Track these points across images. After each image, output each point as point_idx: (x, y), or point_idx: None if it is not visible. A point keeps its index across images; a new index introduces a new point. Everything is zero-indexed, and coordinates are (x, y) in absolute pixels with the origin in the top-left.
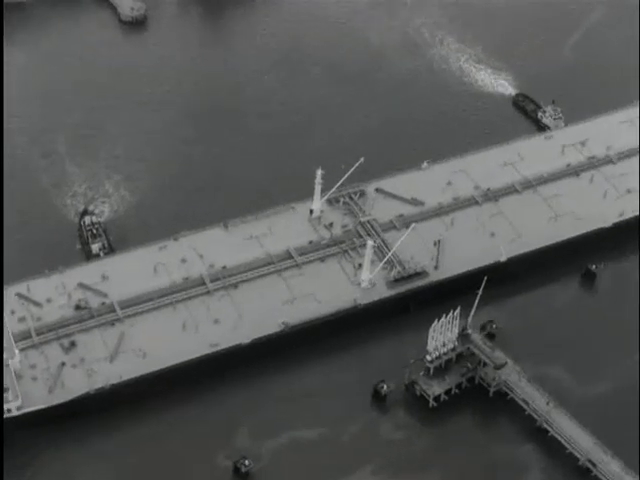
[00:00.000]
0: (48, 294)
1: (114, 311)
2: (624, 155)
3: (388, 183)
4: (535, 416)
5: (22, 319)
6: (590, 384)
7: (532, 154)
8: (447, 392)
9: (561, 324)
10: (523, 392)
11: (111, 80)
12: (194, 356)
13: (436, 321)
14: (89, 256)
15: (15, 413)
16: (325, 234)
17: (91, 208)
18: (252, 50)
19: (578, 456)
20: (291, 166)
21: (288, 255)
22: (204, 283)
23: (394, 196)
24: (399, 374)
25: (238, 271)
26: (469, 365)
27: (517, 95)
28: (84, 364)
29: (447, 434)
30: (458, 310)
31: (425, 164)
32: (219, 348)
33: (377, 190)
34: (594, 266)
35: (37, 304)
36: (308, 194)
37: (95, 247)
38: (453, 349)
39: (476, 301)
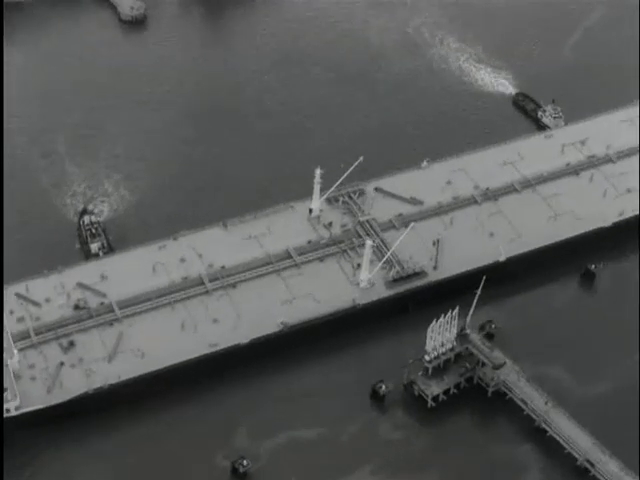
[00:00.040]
0: (47, 294)
1: (113, 311)
2: (624, 154)
3: (387, 182)
4: (534, 416)
5: (21, 319)
6: (589, 384)
7: (532, 153)
8: (446, 392)
9: (560, 324)
10: (522, 392)
11: (111, 80)
12: (193, 356)
13: (434, 321)
14: (88, 256)
15: (13, 413)
16: (324, 233)
17: (90, 207)
18: (252, 50)
19: (576, 456)
20: (290, 165)
21: (287, 255)
22: (203, 283)
23: (393, 195)
24: (398, 374)
25: (237, 271)
26: (468, 365)
27: (517, 94)
28: (83, 364)
29: (445, 434)
30: (456, 310)
31: (425, 163)
32: (218, 348)
33: (376, 189)
34: (593, 266)
35: (36, 304)
36: (307, 193)
37: (94, 247)
38: (452, 349)
39: (474, 301)
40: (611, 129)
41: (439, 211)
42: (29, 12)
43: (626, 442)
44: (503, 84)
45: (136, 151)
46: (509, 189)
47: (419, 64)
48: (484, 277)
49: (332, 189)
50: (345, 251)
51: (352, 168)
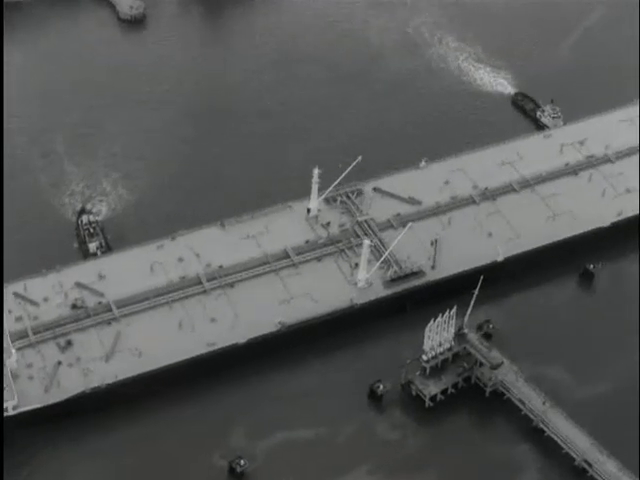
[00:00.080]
0: (45, 293)
1: (110, 310)
2: (622, 154)
3: (386, 182)
4: (531, 416)
5: (19, 318)
6: (587, 384)
7: (530, 153)
8: (443, 392)
9: (558, 324)
10: (519, 392)
11: (110, 79)
12: (190, 355)
13: (432, 321)
14: (86, 255)
15: (11, 412)
16: (322, 233)
17: (89, 207)
18: (251, 49)
19: (574, 456)
20: (289, 165)
21: (285, 254)
22: (201, 282)
23: (391, 195)
24: (395, 374)
25: (235, 270)
26: (465, 365)
27: (516, 94)
28: (80, 363)
29: (443, 434)
30: (454, 310)
31: (423, 163)
32: (215, 347)
33: (374, 189)
34: (592, 266)
35: (34, 303)
36: (305, 193)
37: (92, 246)
38: (449, 349)
39: (472, 300)
40: (610, 129)
41: (437, 211)
42: (28, 11)
43: (624, 442)
44: (502, 84)
45: (135, 150)
46: (507, 189)
47: (418, 64)
48: (482, 277)
49: (330, 189)
50: (343, 251)
51: (350, 168)
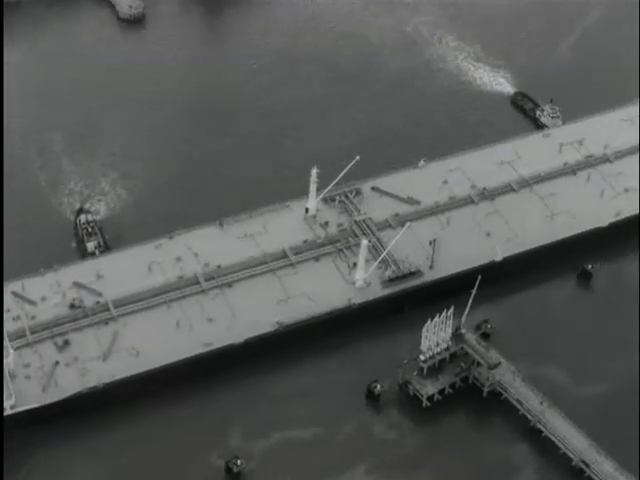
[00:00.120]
0: (43, 293)
1: (108, 310)
2: (621, 154)
3: (384, 182)
4: (529, 416)
5: (17, 318)
6: (585, 384)
7: (529, 153)
8: (441, 392)
9: (556, 324)
10: (517, 392)
11: (109, 78)
12: (188, 355)
13: (430, 321)
14: (84, 254)
15: (9, 412)
16: (320, 233)
17: (87, 206)
18: (250, 49)
19: (571, 456)
20: (287, 164)
21: (283, 254)
22: (198, 282)
23: (390, 195)
24: (393, 374)
25: (232, 270)
26: (463, 365)
27: (515, 94)
28: (78, 363)
29: (440, 434)
30: (452, 310)
31: (422, 162)
32: (213, 347)
33: (373, 189)
34: (590, 266)
35: (32, 303)
36: (304, 192)
37: (90, 245)
38: (447, 349)
39: (470, 300)
40: (609, 129)
41: (436, 211)
42: (27, 11)
43: (622, 442)
44: (501, 83)
45: (133, 150)
46: (506, 189)
47: (418, 63)
48: (479, 276)
49: (328, 188)
50: (341, 250)
51: (349, 167)
